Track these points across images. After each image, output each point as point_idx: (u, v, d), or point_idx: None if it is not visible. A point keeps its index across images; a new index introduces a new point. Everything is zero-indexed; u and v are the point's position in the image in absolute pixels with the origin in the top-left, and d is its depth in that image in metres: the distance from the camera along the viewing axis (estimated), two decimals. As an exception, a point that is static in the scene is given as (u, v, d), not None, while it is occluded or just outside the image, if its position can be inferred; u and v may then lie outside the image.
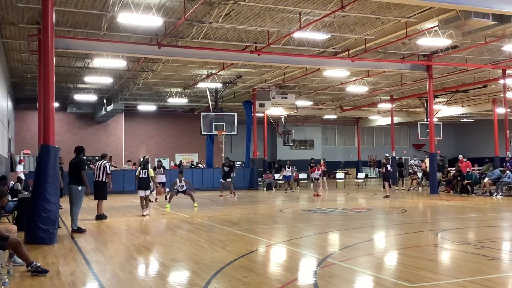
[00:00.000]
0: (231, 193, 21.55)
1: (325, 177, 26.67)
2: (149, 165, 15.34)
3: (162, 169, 19.95)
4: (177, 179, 16.60)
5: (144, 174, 14.74)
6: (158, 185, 17.86)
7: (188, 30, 17.53)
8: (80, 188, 11.26)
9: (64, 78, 25.79)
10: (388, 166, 21.52)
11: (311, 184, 29.75)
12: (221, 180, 22.32)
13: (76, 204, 11.21)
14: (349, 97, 34.08)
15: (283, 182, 27.12)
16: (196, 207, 16.54)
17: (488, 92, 30.77)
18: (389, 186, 21.65)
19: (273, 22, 16.76)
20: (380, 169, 22.08)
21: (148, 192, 14.83)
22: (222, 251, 8.48)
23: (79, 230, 11.08)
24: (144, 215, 14.28)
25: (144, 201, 14.55)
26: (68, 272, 7.04)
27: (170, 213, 15.35)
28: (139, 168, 15.20)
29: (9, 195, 10.42)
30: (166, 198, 17.25)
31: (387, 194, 20.71)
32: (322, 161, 27.31)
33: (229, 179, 21.63)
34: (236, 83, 27.43)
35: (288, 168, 26.49)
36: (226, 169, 21.58)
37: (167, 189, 19.85)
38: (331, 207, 16.94)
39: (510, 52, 21.52)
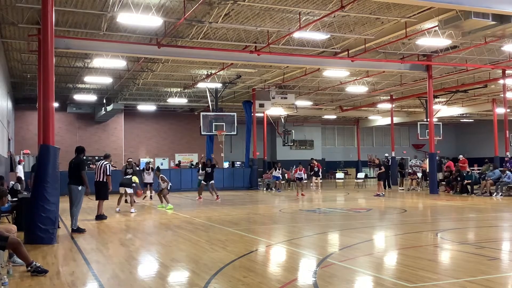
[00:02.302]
0: (214, 195, 20.41)
1: (319, 177, 26.56)
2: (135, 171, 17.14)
3: (150, 170, 20.03)
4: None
5: (129, 177, 16.32)
6: (139, 189, 17.94)
7: (188, 30, 17.53)
8: (80, 188, 11.26)
9: (64, 78, 25.79)
10: (382, 166, 22.13)
11: (311, 184, 29.84)
12: (203, 182, 20.70)
13: (76, 204, 11.21)
14: (349, 97, 34.08)
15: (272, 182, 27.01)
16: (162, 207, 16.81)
17: (488, 92, 30.76)
18: (384, 186, 22.11)
19: (273, 22, 16.76)
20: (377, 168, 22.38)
21: (129, 190, 15.84)
22: (222, 251, 8.47)
23: (79, 230, 11.08)
24: (117, 212, 15.56)
25: (127, 198, 16.09)
26: (68, 272, 7.04)
27: (170, 213, 15.35)
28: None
29: (9, 195, 10.43)
30: (158, 198, 17.49)
31: (378, 193, 21.42)
32: (314, 161, 27.24)
33: (213, 181, 20.55)
34: (236, 83, 27.44)
35: (278, 169, 26.30)
36: (209, 169, 20.31)
37: (153, 191, 20.11)
38: (331, 207, 16.94)
39: (510, 52, 21.52)
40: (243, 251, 8.37)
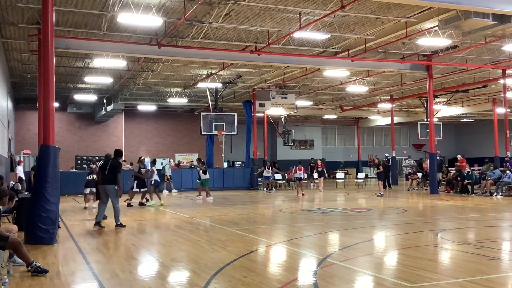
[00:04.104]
0: (207, 194, 20.64)
1: (321, 178, 26.43)
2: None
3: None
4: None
5: (90, 177, 17.22)
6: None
7: (188, 30, 17.53)
8: (116, 187, 11.78)
9: (64, 78, 25.79)
10: (380, 166, 22.19)
11: (311, 184, 29.84)
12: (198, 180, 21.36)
13: (116, 202, 11.76)
14: (349, 97, 34.08)
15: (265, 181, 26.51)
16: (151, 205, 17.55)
17: (488, 92, 30.77)
18: (384, 186, 22.18)
19: (273, 22, 16.76)
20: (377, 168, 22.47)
21: (94, 189, 16.54)
22: (222, 251, 8.48)
23: (122, 225, 11.74)
24: (86, 208, 16.84)
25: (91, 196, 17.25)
26: (68, 272, 7.04)
27: (170, 213, 15.35)
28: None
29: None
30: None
31: (381, 193, 21.44)
32: (319, 161, 27.12)
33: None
34: (236, 83, 27.43)
35: (269, 169, 25.98)
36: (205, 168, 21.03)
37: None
38: (331, 207, 16.94)
39: (510, 52, 21.53)
40: (243, 251, 8.37)
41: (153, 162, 19.04)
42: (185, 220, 13.38)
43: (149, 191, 17.97)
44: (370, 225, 12.02)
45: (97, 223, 11.74)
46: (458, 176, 22.47)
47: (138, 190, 17.53)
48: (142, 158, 18.55)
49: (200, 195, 20.91)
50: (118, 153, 12.29)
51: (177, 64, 22.97)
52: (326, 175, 27.33)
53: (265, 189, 26.63)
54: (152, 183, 18.08)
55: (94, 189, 16.75)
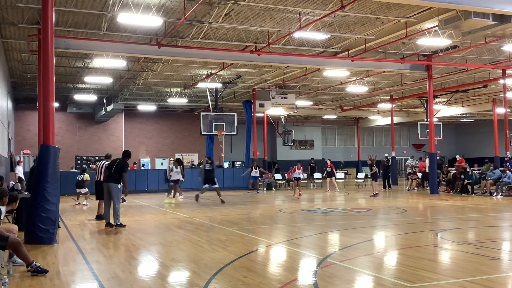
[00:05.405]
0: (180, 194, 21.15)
1: (333, 178, 26.05)
2: (85, 173, 18.90)
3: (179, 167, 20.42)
4: None
5: (80, 178, 18.57)
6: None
7: (188, 30, 17.53)
8: (119, 186, 11.92)
9: (64, 78, 25.78)
10: (374, 166, 22.30)
11: (311, 184, 29.82)
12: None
13: (117, 201, 11.87)
14: (349, 97, 34.08)
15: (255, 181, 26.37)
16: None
17: (488, 92, 30.78)
18: (384, 186, 22.18)
19: (273, 22, 16.76)
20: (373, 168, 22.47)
21: (84, 190, 18.33)
22: (222, 251, 8.48)
23: (122, 225, 11.76)
24: (78, 204, 18.28)
25: (83, 196, 18.52)
26: (68, 272, 7.04)
27: (170, 213, 15.36)
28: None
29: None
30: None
31: (374, 193, 21.54)
32: (328, 161, 26.88)
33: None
34: (236, 83, 27.43)
35: (256, 169, 25.84)
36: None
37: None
38: (331, 207, 16.94)
39: (510, 52, 21.52)
40: (243, 251, 8.37)
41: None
42: (185, 220, 13.38)
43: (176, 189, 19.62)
44: (370, 225, 12.03)
45: (108, 224, 11.89)
46: (462, 174, 22.42)
47: (207, 186, 18.48)
48: (208, 158, 20.28)
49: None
50: (126, 154, 12.50)
51: (177, 64, 22.97)
52: (327, 175, 27.19)
53: (259, 189, 26.42)
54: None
55: (83, 190, 18.35)
